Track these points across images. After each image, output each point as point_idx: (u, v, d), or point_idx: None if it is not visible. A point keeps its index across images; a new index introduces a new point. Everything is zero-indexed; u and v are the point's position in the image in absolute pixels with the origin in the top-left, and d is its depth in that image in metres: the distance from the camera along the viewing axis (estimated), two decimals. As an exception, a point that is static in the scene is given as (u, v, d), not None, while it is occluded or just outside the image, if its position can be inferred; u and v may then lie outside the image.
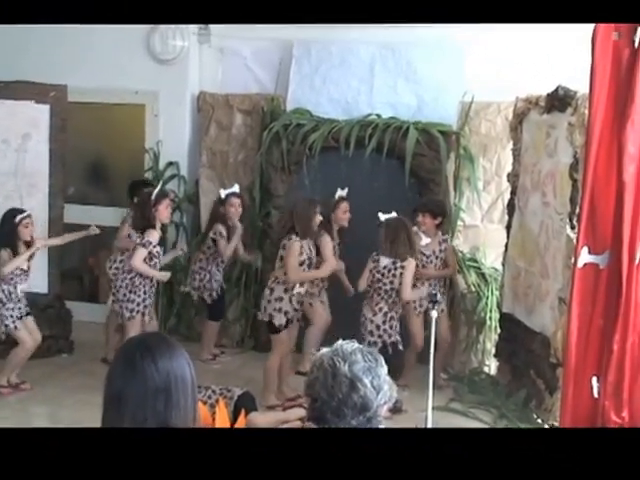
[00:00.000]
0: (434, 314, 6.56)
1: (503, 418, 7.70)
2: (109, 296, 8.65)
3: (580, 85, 6.47)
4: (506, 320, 8.52)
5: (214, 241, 8.88)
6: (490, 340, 9.03)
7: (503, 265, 8.73)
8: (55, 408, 7.67)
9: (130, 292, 8.04)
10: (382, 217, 7.87)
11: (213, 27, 10.06)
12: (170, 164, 10.21)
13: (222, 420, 6.72)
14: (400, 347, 7.84)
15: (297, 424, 7.00)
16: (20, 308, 8.03)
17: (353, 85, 9.71)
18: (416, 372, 8.04)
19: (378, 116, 9.43)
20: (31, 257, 8.10)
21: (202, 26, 10.07)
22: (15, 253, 7.91)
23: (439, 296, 7.65)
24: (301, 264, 7.76)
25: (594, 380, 5.72)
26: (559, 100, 7.31)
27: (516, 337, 8.20)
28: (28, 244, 8.01)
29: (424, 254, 8.43)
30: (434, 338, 6.51)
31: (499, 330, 8.76)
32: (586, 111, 6.02)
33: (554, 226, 7.37)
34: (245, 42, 9.93)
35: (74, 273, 10.73)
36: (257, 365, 8.86)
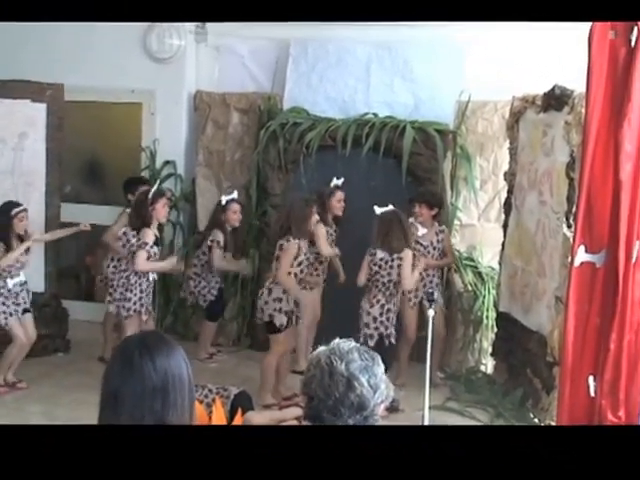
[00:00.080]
0: (431, 313, 6.57)
1: (500, 417, 7.71)
2: (106, 296, 8.66)
3: (577, 84, 6.47)
4: (503, 319, 8.52)
5: (210, 248, 8.89)
6: (487, 339, 9.03)
7: (500, 264, 8.74)
8: (51, 407, 7.66)
9: (126, 291, 8.03)
10: (377, 210, 7.88)
11: (210, 26, 10.05)
12: (167, 163, 10.20)
13: (219, 419, 6.72)
14: (392, 340, 7.83)
15: (294, 423, 7.03)
16: (17, 304, 8.02)
17: (350, 84, 9.71)
18: (413, 371, 8.05)
19: (375, 115, 9.43)
20: (26, 251, 8.08)
21: (199, 25, 10.06)
22: (8, 246, 7.90)
23: (436, 294, 7.65)
24: (299, 264, 7.78)
25: (591, 379, 5.72)
26: (556, 99, 7.32)
27: (513, 336, 8.20)
28: (21, 238, 8.00)
29: (421, 245, 8.45)
30: (431, 337, 6.51)
31: (496, 329, 8.76)
32: (583, 110, 6.02)
33: (551, 225, 7.37)
34: (242, 41, 9.93)
35: (71, 272, 10.72)
36: (254, 364, 8.86)
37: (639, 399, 5.59)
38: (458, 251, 9.19)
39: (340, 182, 8.73)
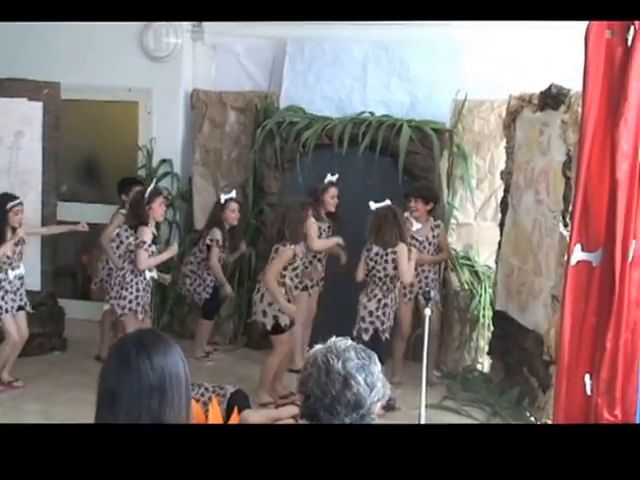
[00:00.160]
0: (427, 312, 6.56)
1: (496, 416, 7.72)
2: (105, 295, 8.70)
3: (574, 83, 6.47)
4: (499, 318, 8.53)
5: (208, 247, 8.89)
6: (483, 338, 9.03)
7: (496, 263, 8.75)
8: (48, 406, 7.66)
9: (122, 289, 8.03)
10: (372, 206, 7.89)
11: (206, 24, 10.05)
12: (163, 161, 10.20)
13: (215, 418, 6.72)
14: (387, 335, 7.84)
15: (290, 422, 7.03)
16: (14, 300, 8.01)
17: (346, 83, 9.72)
18: (409, 370, 8.06)
19: (371, 114, 9.44)
20: (20, 243, 8.07)
21: (195, 23, 10.07)
22: (2, 239, 7.89)
23: (432, 293, 7.65)
24: (294, 269, 7.82)
25: (587, 378, 5.72)
26: (552, 98, 7.32)
27: (509, 335, 8.21)
28: (15, 231, 7.98)
29: (417, 240, 8.46)
30: (427, 336, 6.51)
31: (492, 328, 8.76)
32: (579, 109, 6.02)
33: (547, 224, 7.38)
34: (238, 39, 9.94)
35: (67, 271, 10.72)
36: (250, 362, 8.89)
37: (635, 398, 5.59)
38: (455, 250, 9.20)
39: (334, 178, 8.73)
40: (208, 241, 8.89)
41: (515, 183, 8.25)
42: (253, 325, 8.61)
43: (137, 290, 8.05)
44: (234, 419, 6.85)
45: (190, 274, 9.06)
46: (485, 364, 9.04)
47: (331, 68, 9.75)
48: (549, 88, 7.37)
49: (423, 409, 6.35)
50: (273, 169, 9.61)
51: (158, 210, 8.08)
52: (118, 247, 8.53)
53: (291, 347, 8.01)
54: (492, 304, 8.81)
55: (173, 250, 8.33)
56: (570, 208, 6.51)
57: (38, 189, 9.05)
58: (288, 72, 9.87)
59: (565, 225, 6.87)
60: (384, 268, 7.81)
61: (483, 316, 9.00)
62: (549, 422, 6.71)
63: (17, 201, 7.97)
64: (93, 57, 10.04)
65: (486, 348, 8.93)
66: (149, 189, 8.12)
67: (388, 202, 7.90)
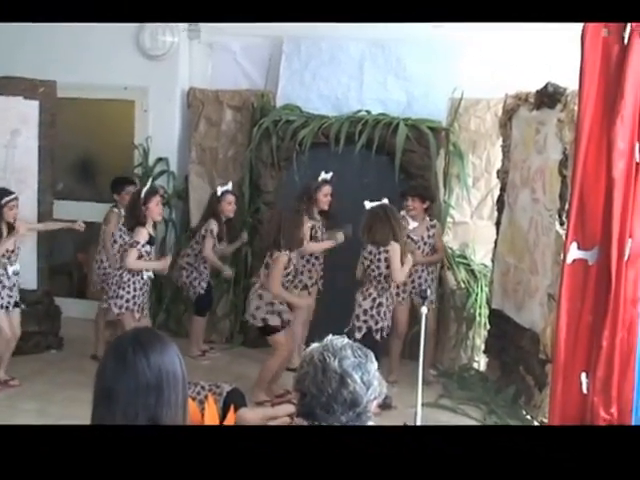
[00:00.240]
0: (424, 310, 6.58)
1: (492, 414, 7.72)
2: (103, 294, 8.73)
3: (570, 82, 6.48)
4: (495, 316, 8.53)
5: (204, 238, 8.89)
6: (479, 336, 9.04)
7: (492, 261, 8.75)
8: (44, 404, 7.65)
9: (119, 288, 8.02)
10: (367, 205, 7.89)
11: (203, 23, 10.04)
12: (159, 160, 10.20)
13: (211, 416, 6.71)
14: (384, 334, 7.83)
15: (286, 420, 7.04)
16: (10, 297, 8.00)
17: (343, 81, 9.72)
18: (405, 368, 8.06)
19: (368, 112, 9.44)
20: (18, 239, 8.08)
21: (192, 22, 10.07)
22: None
23: (429, 292, 7.66)
24: (287, 275, 7.83)
25: (583, 376, 5.72)
26: (548, 96, 7.32)
27: (505, 333, 8.21)
28: (11, 227, 7.98)
29: (412, 239, 8.46)
30: (423, 334, 6.52)
31: (488, 326, 8.77)
32: (575, 107, 6.03)
33: (543, 222, 7.38)
34: (235, 38, 9.93)
35: (63, 269, 10.72)
36: (246, 361, 8.90)
37: (631, 396, 5.59)
38: (451, 248, 9.20)
39: (328, 176, 8.71)
40: (203, 231, 8.89)
41: (511, 182, 8.26)
42: (249, 324, 8.61)
43: (134, 289, 8.03)
44: (230, 418, 6.85)
45: (187, 266, 9.06)
46: (481, 363, 9.05)
47: (327, 66, 9.75)
48: (545, 87, 7.38)
49: (419, 407, 6.36)
50: (269, 167, 9.61)
51: (155, 210, 8.06)
52: (112, 246, 8.56)
53: (291, 348, 7.99)
54: (488, 303, 8.81)
55: (164, 265, 8.24)
56: (566, 206, 6.50)
57: (34, 187, 9.05)
58: (284, 70, 9.87)
59: (561, 223, 6.88)
60: (377, 267, 7.81)
61: (479, 315, 9.01)
62: (545, 420, 6.72)
63: (12, 196, 7.96)
64: (89, 55, 10.04)
65: (482, 347, 8.94)
66: (145, 189, 8.10)
67: (385, 201, 7.90)
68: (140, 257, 7.97)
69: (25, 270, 8.45)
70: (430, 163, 9.12)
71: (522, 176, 7.94)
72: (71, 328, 9.49)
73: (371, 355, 3.01)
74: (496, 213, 8.74)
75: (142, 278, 8.09)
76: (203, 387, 7.17)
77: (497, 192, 8.75)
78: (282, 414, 7.23)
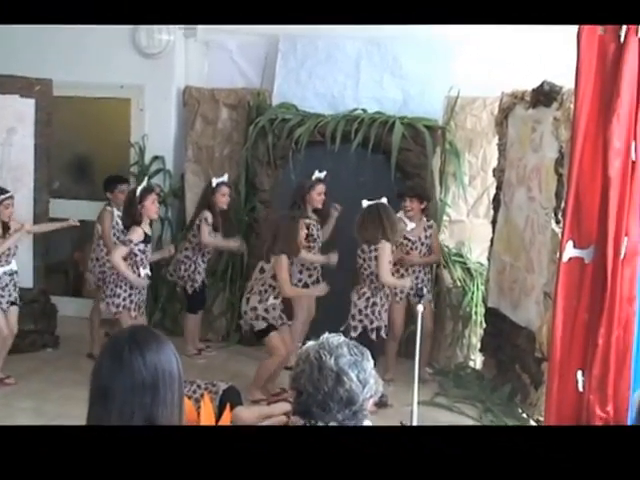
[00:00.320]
0: (420, 308, 6.58)
1: (488, 412, 7.72)
2: (100, 293, 8.75)
3: (566, 80, 6.48)
4: (491, 315, 8.54)
5: (199, 227, 8.89)
6: (475, 335, 9.04)
7: (489, 260, 8.75)
8: (40, 402, 7.65)
9: (116, 287, 8.01)
10: (364, 204, 7.90)
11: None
12: (156, 158, 10.20)
13: (207, 415, 6.72)
14: (382, 334, 7.82)
15: (282, 418, 7.05)
16: (2, 296, 7.99)
17: (339, 80, 9.72)
18: (401, 366, 8.07)
19: (364, 111, 9.44)
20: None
21: (188, 20, 10.04)
22: None
23: (425, 290, 7.66)
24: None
25: (579, 374, 5.72)
26: (544, 95, 7.33)
27: (501, 332, 8.22)
28: (5, 225, 7.96)
29: (409, 240, 8.46)
30: (419, 333, 6.52)
31: (484, 325, 8.77)
32: (571, 106, 6.03)
33: (539, 221, 7.39)
34: (231, 36, 9.92)
35: (59, 268, 10.71)
36: (243, 359, 8.91)
37: (627, 394, 5.59)
38: (447, 247, 9.21)
39: (322, 175, 8.73)
40: (197, 221, 8.89)
41: (507, 180, 8.26)
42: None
43: (131, 288, 8.03)
44: (226, 416, 6.86)
45: (185, 260, 9.03)
46: (477, 361, 9.06)
47: (324, 65, 9.75)
48: (541, 85, 7.38)
49: (415, 406, 6.36)
50: (265, 166, 9.61)
51: (151, 208, 8.05)
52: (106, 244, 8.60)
53: (288, 349, 7.98)
54: (484, 301, 8.82)
55: (140, 283, 8.15)
56: (562, 205, 6.51)
57: (30, 186, 9.04)
58: (281, 69, 9.87)
59: (557, 222, 6.88)
60: (369, 265, 7.81)
61: (475, 313, 9.01)
62: (541, 419, 6.72)
63: (7, 195, 7.94)
64: (85, 54, 10.03)
65: (478, 345, 8.94)
66: (140, 187, 8.10)
67: (383, 200, 7.90)
68: (135, 256, 7.97)
69: (21, 268, 8.43)
70: (426, 162, 9.13)
71: (518, 174, 7.94)
72: (67, 326, 9.49)
73: (367, 353, 3.01)
74: (492, 211, 8.74)
75: (138, 276, 8.08)
76: (199, 386, 7.21)
77: (493, 190, 8.76)
78: (278, 412, 7.27)
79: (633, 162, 5.46)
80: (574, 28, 5.51)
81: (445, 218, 9.32)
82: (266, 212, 9.61)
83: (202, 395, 6.95)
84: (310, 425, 2.90)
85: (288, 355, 7.95)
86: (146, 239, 8.05)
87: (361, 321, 7.77)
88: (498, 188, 8.56)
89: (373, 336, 7.72)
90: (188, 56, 10.31)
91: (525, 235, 7.72)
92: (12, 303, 8.10)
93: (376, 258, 7.74)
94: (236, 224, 9.48)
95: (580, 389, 5.72)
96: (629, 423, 5.44)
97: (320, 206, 8.73)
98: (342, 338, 3.01)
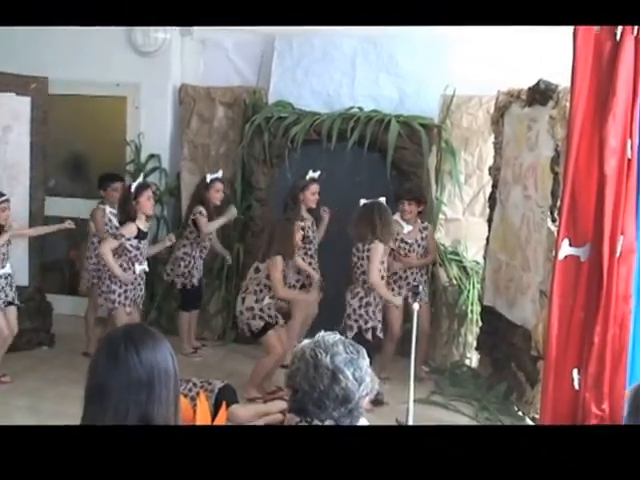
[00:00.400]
0: (416, 306, 6.59)
1: (484, 411, 7.72)
2: (93, 291, 8.77)
3: (562, 79, 6.48)
4: (487, 313, 8.54)
5: (194, 222, 8.88)
6: (471, 333, 9.05)
7: (484, 258, 8.75)
8: (36, 401, 7.64)
9: (111, 283, 8.03)
10: (361, 203, 7.91)
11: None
12: (152, 156, 10.19)
13: (203, 413, 6.73)
14: (379, 334, 7.81)
15: (278, 416, 7.06)
16: (6, 295, 7.99)
17: (335, 78, 9.72)
18: (397, 365, 8.06)
19: (360, 109, 9.43)
20: (7, 243, 8.05)
21: (184, 19, 10.03)
22: None
23: (421, 288, 7.65)
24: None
25: (575, 372, 5.73)
26: (540, 93, 7.33)
27: (497, 330, 8.22)
28: (1, 228, 7.95)
29: (406, 242, 8.44)
30: (415, 331, 6.53)
31: (480, 323, 8.77)
32: (567, 104, 6.03)
33: (535, 219, 7.39)
34: (227, 34, 9.91)
35: (55, 266, 10.70)
36: (239, 357, 8.91)
37: (623, 392, 5.60)
38: (443, 245, 9.21)
39: (316, 175, 8.72)
40: (192, 216, 8.88)
41: (503, 179, 8.26)
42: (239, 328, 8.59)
43: (125, 284, 8.04)
44: (222, 414, 6.87)
45: (185, 256, 9.01)
46: (473, 359, 9.06)
47: (320, 63, 9.75)
48: (537, 84, 7.38)
49: (411, 404, 6.37)
50: (261, 164, 9.60)
51: (146, 204, 8.06)
52: (99, 241, 8.60)
53: (285, 347, 7.98)
54: (480, 299, 8.82)
55: (126, 278, 8.10)
56: (558, 203, 6.51)
57: (26, 184, 9.03)
58: (277, 67, 9.87)
59: (553, 220, 6.88)
60: (362, 265, 7.80)
61: (471, 311, 9.01)
62: (537, 416, 6.73)
63: (3, 198, 7.92)
64: (81, 52, 10.01)
65: (474, 343, 8.95)
66: (135, 183, 8.11)
67: (380, 199, 7.90)
68: (129, 252, 7.99)
69: (17, 266, 8.43)
70: (422, 160, 9.12)
71: (514, 173, 7.94)
72: (63, 325, 9.48)
73: (363, 351, 3.01)
74: (488, 210, 8.73)
75: (134, 272, 8.09)
76: (195, 384, 7.22)
77: (489, 189, 8.75)
78: (274, 410, 7.28)
79: (629, 160, 5.47)
80: (570, 27, 5.52)
81: (441, 216, 9.32)
82: (262, 210, 9.61)
83: (198, 393, 6.96)
84: (306, 423, 2.90)
85: (285, 353, 7.95)
86: (141, 235, 8.06)
87: (356, 321, 7.76)
88: (494, 186, 8.56)
89: (368, 336, 7.70)
90: (184, 54, 10.29)
91: (521, 233, 7.72)
92: (9, 303, 8.08)
93: (368, 258, 7.73)
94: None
95: (576, 387, 5.73)
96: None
97: (314, 206, 8.73)
98: (338, 336, 3.02)
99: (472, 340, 9.02)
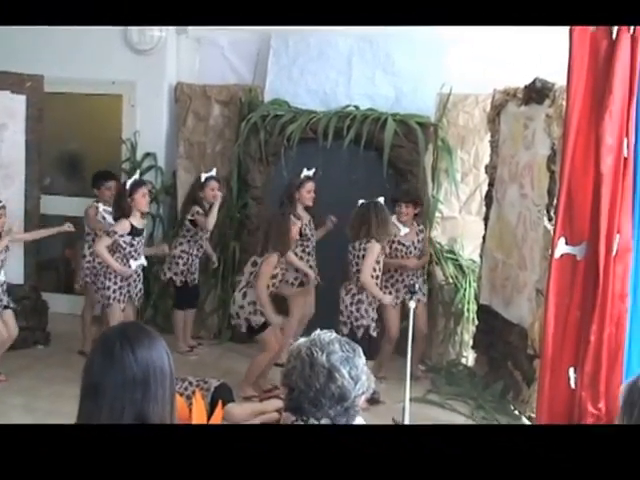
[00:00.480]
0: (412, 304, 6.58)
1: (480, 409, 7.72)
2: (89, 289, 8.77)
3: (558, 77, 6.47)
4: (484, 312, 8.53)
5: (192, 222, 8.88)
6: (468, 332, 9.04)
7: (481, 257, 8.75)
8: (31, 399, 7.63)
9: (105, 279, 8.04)
10: (360, 202, 7.90)
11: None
12: (147, 155, 10.17)
13: (199, 412, 6.72)
14: (372, 332, 7.77)
15: (274, 415, 7.05)
16: (0, 300, 7.98)
17: (331, 76, 9.70)
18: (394, 363, 8.06)
19: (356, 107, 9.42)
20: (5, 250, 8.04)
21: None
22: None
23: (417, 286, 7.64)
24: (273, 277, 7.81)
25: (571, 371, 5.74)
26: (537, 92, 7.32)
27: (493, 329, 8.21)
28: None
29: (403, 244, 8.42)
30: (412, 329, 6.52)
31: (477, 322, 8.77)
32: (564, 103, 6.03)
33: (532, 218, 7.39)
34: (223, 32, 9.89)
35: (50, 264, 10.68)
36: (235, 356, 8.89)
37: (619, 391, 5.60)
38: (439, 244, 9.20)
39: (311, 173, 8.70)
40: (190, 217, 8.88)
41: (500, 177, 8.26)
42: (233, 323, 8.57)
43: (120, 280, 8.04)
44: (218, 413, 6.85)
45: (182, 254, 9.00)
46: (469, 358, 9.05)
47: (316, 61, 9.73)
48: (533, 82, 7.37)
49: (407, 403, 6.37)
50: (257, 163, 9.59)
51: (141, 201, 8.06)
52: (93, 239, 8.59)
53: (281, 344, 7.96)
54: (476, 298, 8.81)
55: (125, 272, 8.12)
56: (554, 202, 6.51)
57: (21, 182, 9.01)
58: (273, 65, 9.85)
59: (549, 219, 6.88)
60: (356, 263, 7.79)
61: (467, 310, 9.01)
62: (533, 415, 6.72)
63: (0, 204, 7.92)
64: (77, 50, 9.99)
65: (470, 342, 8.94)
66: (130, 180, 8.11)
67: (379, 199, 7.88)
68: (123, 249, 7.98)
69: (12, 265, 8.42)
70: (418, 158, 9.11)
71: (510, 171, 7.94)
72: (58, 323, 9.46)
73: (359, 350, 3.00)
74: (484, 208, 8.73)
75: (129, 267, 8.09)
76: (191, 382, 7.20)
77: (485, 187, 8.75)
78: (270, 409, 7.27)
79: (625, 159, 5.48)
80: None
81: (437, 215, 9.31)
82: (258, 209, 9.60)
83: (194, 392, 6.94)
84: (302, 421, 2.90)
85: (280, 351, 7.94)
86: (135, 232, 8.04)
87: (348, 317, 7.75)
88: (490, 185, 8.55)
89: (360, 333, 7.66)
90: (180, 52, 10.28)
91: (517, 232, 7.72)
92: (5, 307, 8.07)
93: (363, 257, 7.72)
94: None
95: (572, 386, 5.74)
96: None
97: (310, 204, 8.71)
98: (334, 335, 3.01)
99: (468, 339, 9.01)
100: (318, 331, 3.02)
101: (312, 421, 2.89)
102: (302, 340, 3.00)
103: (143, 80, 10.10)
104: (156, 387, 2.74)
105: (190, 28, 10.05)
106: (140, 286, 8.35)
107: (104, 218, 8.75)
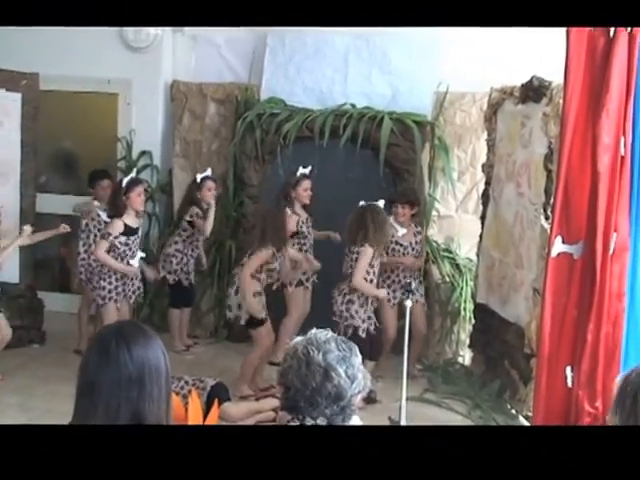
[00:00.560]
0: (408, 303, 6.58)
1: (477, 408, 7.72)
2: (85, 288, 8.75)
3: (555, 76, 6.47)
4: (480, 311, 8.53)
5: (190, 223, 8.88)
6: (464, 331, 9.04)
7: (477, 256, 8.74)
8: (26, 398, 7.61)
9: (100, 279, 8.02)
10: (360, 204, 7.89)
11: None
12: (143, 153, 10.16)
13: (195, 411, 6.71)
14: (361, 333, 7.71)
15: (270, 414, 7.05)
16: None
17: (327, 75, 9.70)
18: (390, 362, 8.05)
19: (352, 106, 9.41)
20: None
21: (176, 14, 9.99)
22: None
23: (414, 285, 7.63)
24: (270, 270, 7.79)
25: (568, 370, 5.73)
26: (534, 90, 7.31)
27: (490, 328, 8.21)
28: None
29: (401, 245, 8.41)
30: (408, 328, 6.51)
31: (473, 321, 8.77)
32: (561, 101, 6.01)
33: (528, 216, 7.38)
34: (219, 31, 9.86)
35: (46, 263, 10.66)
36: (231, 355, 8.88)
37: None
38: (436, 242, 9.21)
39: (307, 171, 8.69)
40: (188, 218, 8.87)
41: (496, 176, 8.25)
42: (227, 316, 8.56)
43: (116, 279, 8.03)
44: (214, 412, 6.85)
45: (176, 253, 8.99)
46: (466, 357, 9.05)
47: (312, 60, 9.72)
48: (530, 80, 7.37)
49: (404, 402, 6.37)
50: (253, 161, 9.58)
51: (136, 200, 8.03)
52: (88, 237, 8.58)
53: (272, 341, 7.96)
54: (473, 297, 8.81)
55: (130, 270, 8.14)
56: (551, 201, 6.50)
57: (16, 180, 9.00)
58: (269, 64, 9.84)
59: (546, 218, 6.87)
60: (351, 266, 7.78)
61: (464, 309, 9.01)
62: (530, 414, 6.72)
63: None
64: (73, 48, 9.96)
65: (467, 341, 8.94)
66: (127, 179, 8.09)
67: (379, 203, 7.87)
68: (117, 249, 7.96)
69: (8, 263, 8.41)
70: (415, 157, 9.11)
71: (507, 170, 7.93)
72: (54, 322, 9.45)
73: (355, 349, 3.00)
74: (481, 207, 8.73)
75: (131, 266, 8.08)
76: (187, 382, 7.20)
77: (482, 186, 8.74)
78: (266, 408, 7.26)
79: (622, 157, 5.47)
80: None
81: (434, 213, 9.31)
82: (254, 207, 9.59)
83: (190, 391, 6.94)
84: (298, 420, 2.89)
85: (271, 348, 7.93)
86: (129, 231, 8.01)
87: (340, 317, 7.74)
88: (487, 184, 8.55)
89: (349, 333, 7.60)
90: (176, 50, 10.27)
91: (514, 231, 7.71)
92: None
93: (356, 260, 7.71)
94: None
95: (569, 385, 5.73)
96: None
97: (308, 201, 8.70)
98: (330, 334, 3.01)
99: (465, 338, 9.01)
100: (314, 330, 3.01)
101: (308, 420, 2.88)
102: (298, 339, 2.99)
103: (139, 78, 10.08)
104: (152, 386, 2.74)
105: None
106: (138, 284, 8.33)
107: (99, 215, 8.73)
